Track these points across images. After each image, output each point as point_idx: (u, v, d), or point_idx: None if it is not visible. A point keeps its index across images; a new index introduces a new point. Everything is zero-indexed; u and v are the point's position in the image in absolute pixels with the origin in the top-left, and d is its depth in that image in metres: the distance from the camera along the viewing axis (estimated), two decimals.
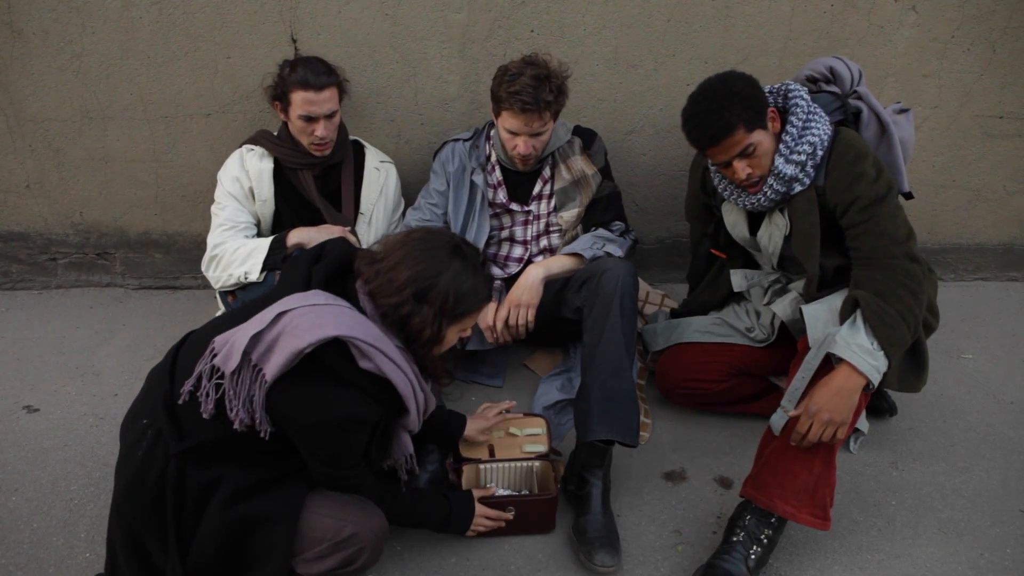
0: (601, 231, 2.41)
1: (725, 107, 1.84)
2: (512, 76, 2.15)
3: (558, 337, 2.60)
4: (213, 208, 2.40)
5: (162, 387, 1.55)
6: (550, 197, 2.43)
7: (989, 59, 2.74)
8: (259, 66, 2.56)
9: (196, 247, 2.92)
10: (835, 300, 1.91)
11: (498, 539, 1.95)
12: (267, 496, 1.52)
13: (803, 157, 1.90)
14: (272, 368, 1.40)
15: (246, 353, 1.42)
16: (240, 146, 2.44)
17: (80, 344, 2.69)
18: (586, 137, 2.43)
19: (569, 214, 2.42)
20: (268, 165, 2.39)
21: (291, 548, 1.51)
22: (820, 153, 1.91)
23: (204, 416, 1.45)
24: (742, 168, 1.91)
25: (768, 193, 1.96)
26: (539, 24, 2.58)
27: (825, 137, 1.91)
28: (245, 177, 2.37)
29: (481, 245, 2.42)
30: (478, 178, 2.39)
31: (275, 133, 2.43)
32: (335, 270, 1.57)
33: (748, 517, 1.84)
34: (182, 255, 2.98)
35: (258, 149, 2.40)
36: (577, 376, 2.36)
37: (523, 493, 2.03)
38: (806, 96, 1.96)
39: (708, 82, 1.92)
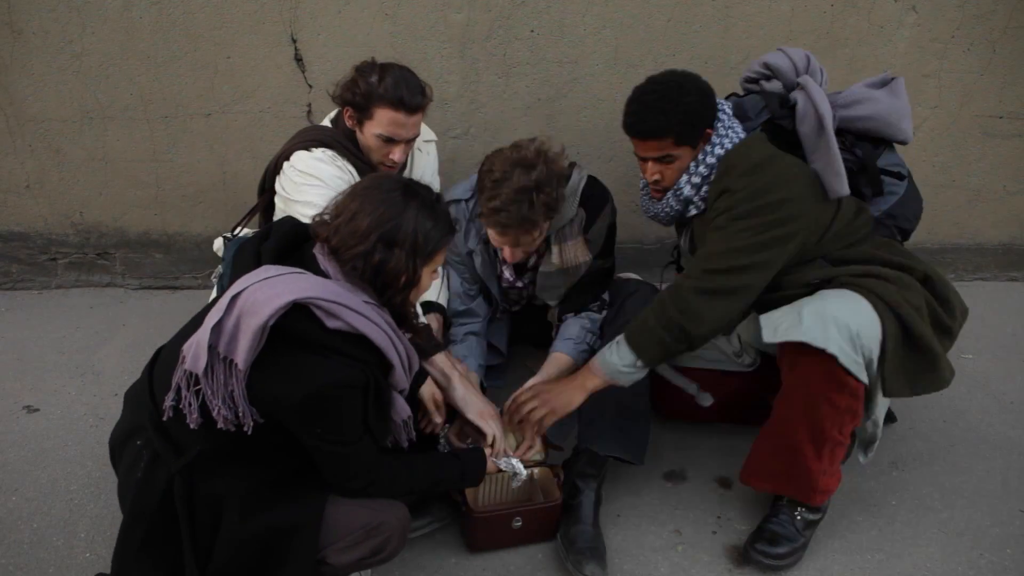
0: (587, 323, 2.19)
1: (668, 111, 1.80)
2: (495, 182, 1.85)
3: None
4: (297, 206, 2.03)
5: (146, 407, 1.49)
6: (534, 269, 2.21)
7: (989, 59, 2.74)
8: (259, 66, 2.56)
9: (196, 247, 2.93)
10: (794, 306, 1.77)
11: None
12: (286, 502, 1.48)
13: (699, 179, 1.88)
14: (241, 354, 1.35)
15: (212, 347, 1.36)
16: (307, 149, 2.07)
17: (80, 344, 2.69)
18: (593, 206, 2.10)
19: (547, 296, 2.21)
20: (351, 167, 2.10)
21: (315, 553, 1.48)
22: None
23: (192, 427, 1.40)
24: (653, 171, 1.90)
25: (666, 208, 1.96)
26: (539, 24, 2.58)
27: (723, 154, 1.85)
28: (349, 176, 2.08)
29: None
30: (478, 260, 2.20)
31: (330, 127, 2.14)
32: (286, 244, 1.53)
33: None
34: (182, 255, 2.97)
35: (331, 152, 2.08)
36: None
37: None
38: (727, 112, 1.89)
39: (671, 75, 1.85)
